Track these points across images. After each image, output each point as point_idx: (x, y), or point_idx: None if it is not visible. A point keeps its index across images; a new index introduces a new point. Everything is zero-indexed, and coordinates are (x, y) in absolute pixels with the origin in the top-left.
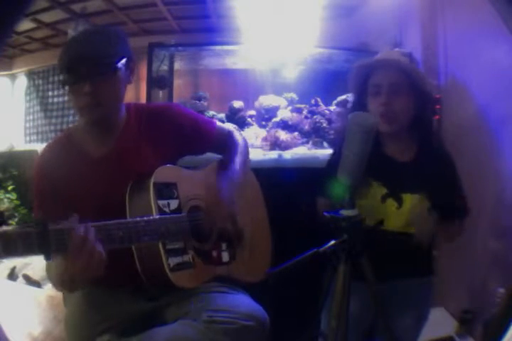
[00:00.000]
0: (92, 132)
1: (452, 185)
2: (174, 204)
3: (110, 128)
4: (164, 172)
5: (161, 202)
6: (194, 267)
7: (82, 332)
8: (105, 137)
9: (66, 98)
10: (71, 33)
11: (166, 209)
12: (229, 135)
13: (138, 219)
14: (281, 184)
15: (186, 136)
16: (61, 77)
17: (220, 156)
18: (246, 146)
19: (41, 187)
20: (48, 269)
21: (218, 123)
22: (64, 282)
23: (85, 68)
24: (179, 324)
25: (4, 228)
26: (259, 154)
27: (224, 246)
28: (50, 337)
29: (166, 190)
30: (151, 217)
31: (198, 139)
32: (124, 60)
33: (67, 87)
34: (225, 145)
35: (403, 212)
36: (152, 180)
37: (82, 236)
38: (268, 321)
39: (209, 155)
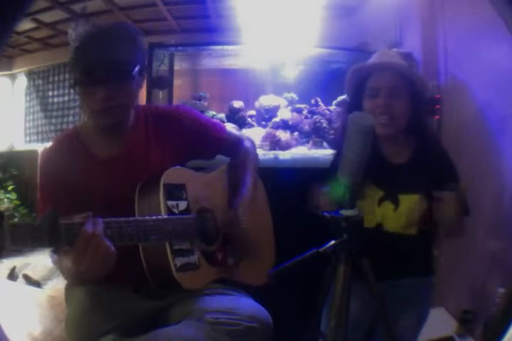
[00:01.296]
0: (101, 133)
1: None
2: (183, 205)
3: (120, 130)
4: (174, 174)
5: (170, 203)
6: (200, 268)
7: (84, 332)
8: (114, 138)
9: (66, 98)
10: (71, 33)
11: (175, 210)
12: (239, 141)
13: (147, 217)
14: (281, 184)
15: (194, 138)
16: (74, 76)
17: (228, 159)
18: (255, 152)
19: (47, 187)
20: (59, 261)
21: (229, 128)
22: (74, 276)
23: (103, 72)
24: (183, 324)
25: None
26: (258, 154)
27: (230, 248)
28: (50, 337)
29: (175, 191)
30: (160, 217)
31: (206, 143)
32: (138, 67)
33: (77, 87)
34: (235, 150)
35: (400, 214)
36: (162, 181)
37: (90, 233)
38: (271, 323)
39: (218, 157)
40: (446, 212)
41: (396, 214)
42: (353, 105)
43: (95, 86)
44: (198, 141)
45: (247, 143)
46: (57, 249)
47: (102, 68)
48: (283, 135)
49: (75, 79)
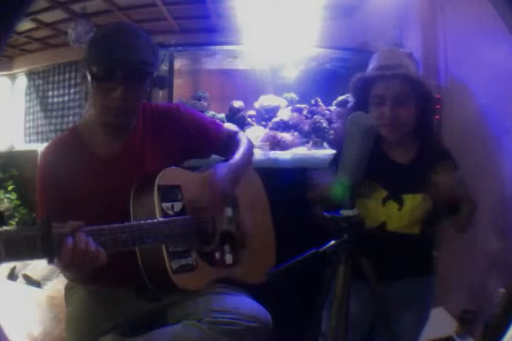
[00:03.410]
0: (102, 131)
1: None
2: (178, 206)
3: (122, 129)
4: (168, 175)
5: (164, 205)
6: (197, 269)
7: (84, 332)
8: (115, 137)
9: (66, 98)
10: (71, 33)
11: (170, 212)
12: (234, 136)
13: (142, 222)
14: (281, 184)
15: (192, 137)
16: (92, 69)
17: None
18: (250, 146)
19: (46, 188)
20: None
21: (225, 126)
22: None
23: (126, 72)
24: (183, 324)
25: (5, 228)
26: (258, 154)
27: (227, 248)
28: (50, 337)
29: (170, 193)
30: (155, 220)
31: (205, 141)
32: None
33: (93, 82)
34: (231, 145)
35: (404, 213)
36: (156, 183)
37: (71, 245)
38: (271, 322)
39: (214, 156)
40: (465, 228)
41: (400, 213)
42: (358, 109)
43: (114, 84)
44: (197, 140)
45: (241, 138)
46: (51, 259)
47: (126, 68)
48: (283, 135)
49: (93, 73)
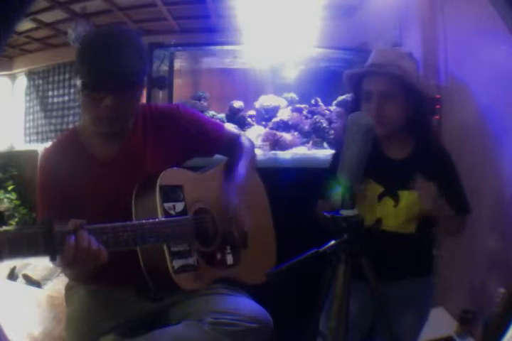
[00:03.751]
0: (100, 135)
1: (451, 182)
2: (180, 206)
3: (118, 135)
4: (170, 175)
5: (166, 205)
6: (198, 269)
7: (85, 332)
8: (113, 140)
9: (66, 98)
10: (71, 33)
11: (172, 212)
12: (237, 138)
13: (143, 221)
14: (281, 184)
15: (193, 138)
16: (81, 79)
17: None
18: (253, 150)
19: (46, 188)
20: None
21: (226, 126)
22: (71, 276)
23: (112, 81)
24: (184, 325)
25: (5, 228)
26: (258, 154)
27: (228, 248)
28: (50, 337)
29: (171, 193)
30: (157, 219)
31: (205, 141)
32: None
33: (83, 91)
34: (233, 148)
35: (400, 210)
36: (158, 183)
37: (73, 243)
38: (272, 323)
39: (216, 156)
40: (455, 233)
41: (396, 210)
42: (354, 106)
43: (103, 93)
44: (197, 140)
45: (244, 140)
46: (53, 257)
47: (114, 76)
48: (283, 135)
49: (82, 83)
